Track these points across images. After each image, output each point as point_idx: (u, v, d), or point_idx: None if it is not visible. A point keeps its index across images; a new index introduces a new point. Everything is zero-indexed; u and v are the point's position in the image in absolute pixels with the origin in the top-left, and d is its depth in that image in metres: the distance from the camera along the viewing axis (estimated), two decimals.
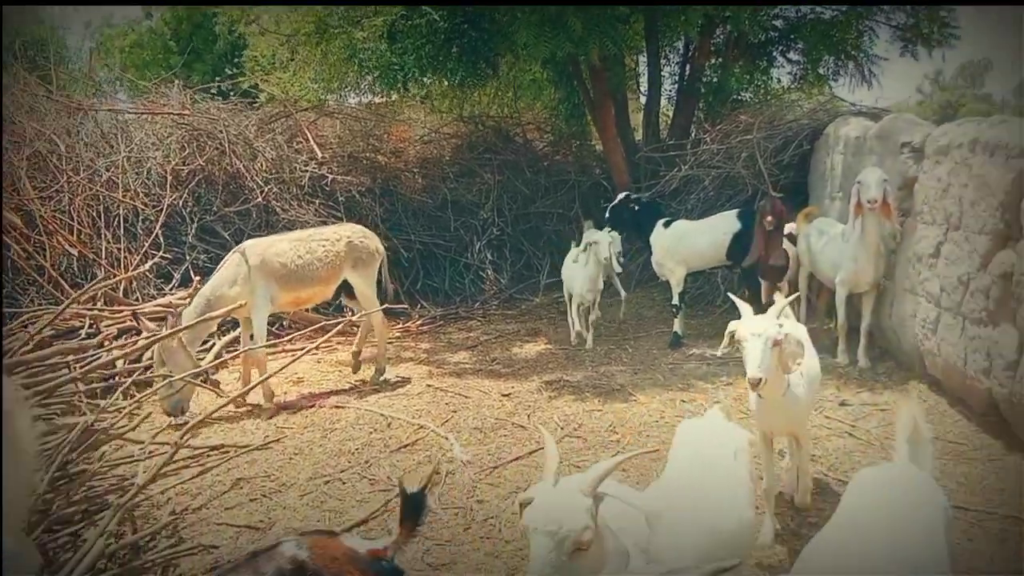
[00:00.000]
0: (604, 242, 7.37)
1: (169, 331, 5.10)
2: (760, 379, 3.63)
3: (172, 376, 5.20)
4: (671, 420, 5.49)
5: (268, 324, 6.38)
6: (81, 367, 3.98)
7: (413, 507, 2.56)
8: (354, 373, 6.89)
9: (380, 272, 6.85)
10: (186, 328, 5.32)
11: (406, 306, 8.67)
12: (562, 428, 5.48)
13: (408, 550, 3.91)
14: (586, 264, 7.50)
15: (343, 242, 6.52)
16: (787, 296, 4.40)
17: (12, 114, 8.50)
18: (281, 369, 6.05)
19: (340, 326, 6.15)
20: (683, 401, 5.88)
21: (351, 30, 9.48)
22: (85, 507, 3.80)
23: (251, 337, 6.23)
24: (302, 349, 6.55)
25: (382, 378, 6.75)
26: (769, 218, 6.60)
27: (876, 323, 6.39)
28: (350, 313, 7.01)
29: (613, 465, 2.24)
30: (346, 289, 6.68)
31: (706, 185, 9.23)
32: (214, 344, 7.27)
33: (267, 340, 6.34)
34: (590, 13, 7.65)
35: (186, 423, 5.16)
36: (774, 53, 10.65)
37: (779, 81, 11.21)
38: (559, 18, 7.50)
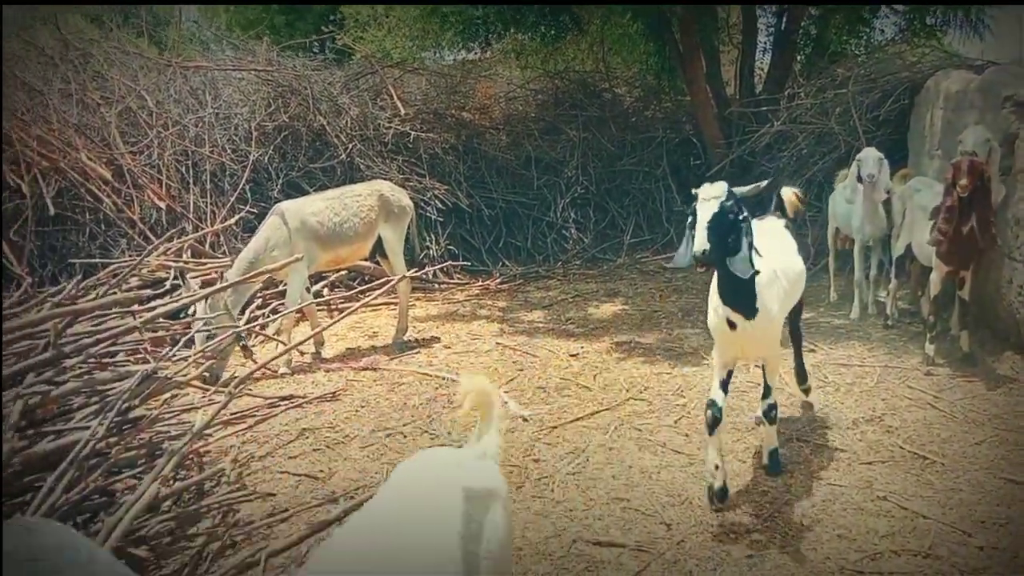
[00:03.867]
0: (871, 159, 6.24)
1: (211, 289, 5.21)
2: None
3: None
4: (742, 385, 5.32)
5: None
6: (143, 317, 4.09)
7: None
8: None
9: (408, 229, 6.84)
10: (229, 286, 5.40)
11: (424, 271, 8.51)
12: (627, 391, 5.36)
13: None
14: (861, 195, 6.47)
15: (375, 196, 6.55)
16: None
17: (105, 70, 8.80)
18: (317, 333, 6.11)
19: (388, 286, 6.17)
20: (757, 367, 5.65)
21: None
22: (146, 451, 3.93)
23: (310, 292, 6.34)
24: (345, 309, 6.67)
25: (404, 338, 6.71)
26: (964, 181, 4.94)
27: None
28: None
29: None
30: (379, 249, 6.69)
31: (799, 142, 8.84)
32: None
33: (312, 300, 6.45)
34: None
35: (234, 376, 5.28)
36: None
37: (883, 32, 10.58)
38: None
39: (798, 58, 10.51)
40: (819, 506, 3.77)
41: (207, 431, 4.30)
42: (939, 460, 4.14)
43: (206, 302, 5.46)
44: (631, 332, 6.73)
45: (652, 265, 9.45)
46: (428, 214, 8.99)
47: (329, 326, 6.14)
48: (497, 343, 6.55)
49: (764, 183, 3.93)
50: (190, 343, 4.93)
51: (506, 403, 5.20)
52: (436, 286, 8.81)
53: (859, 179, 6.39)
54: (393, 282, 6.22)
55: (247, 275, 5.45)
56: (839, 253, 7.51)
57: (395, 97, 9.85)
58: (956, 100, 6.56)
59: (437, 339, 6.80)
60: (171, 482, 3.78)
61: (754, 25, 10.47)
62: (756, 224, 3.64)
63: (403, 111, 9.69)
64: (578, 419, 4.94)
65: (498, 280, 9.02)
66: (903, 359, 5.66)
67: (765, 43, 10.88)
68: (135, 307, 4.27)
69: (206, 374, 5.38)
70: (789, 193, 4.79)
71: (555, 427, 4.85)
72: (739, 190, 3.59)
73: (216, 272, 7.16)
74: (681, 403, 5.12)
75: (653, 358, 6.01)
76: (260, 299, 7.32)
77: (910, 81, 8.05)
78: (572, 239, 10.16)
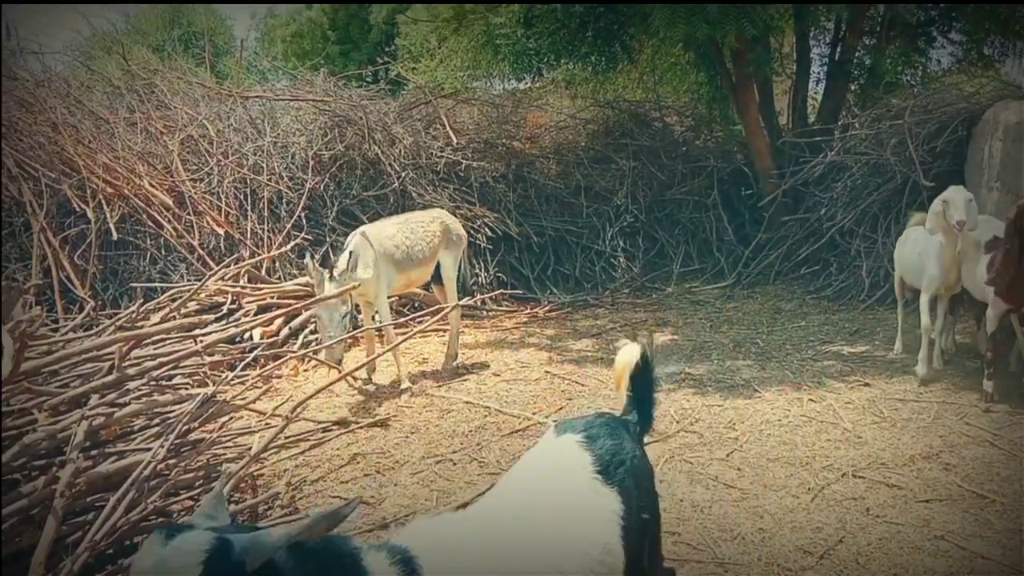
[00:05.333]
0: (961, 201, 5.31)
1: (324, 296, 5.42)
2: None
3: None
4: (795, 419, 5.26)
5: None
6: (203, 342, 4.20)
7: None
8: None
9: (460, 258, 6.97)
10: (335, 295, 5.50)
11: (474, 299, 8.51)
12: (678, 422, 5.33)
13: None
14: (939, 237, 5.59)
15: (438, 223, 6.70)
16: None
17: (168, 99, 9.08)
18: (384, 352, 6.17)
19: (441, 315, 6.24)
20: (811, 400, 5.59)
21: (488, 15, 9.60)
22: (204, 474, 4.01)
23: (372, 318, 6.42)
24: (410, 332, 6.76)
25: (453, 364, 6.77)
26: None
27: None
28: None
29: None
30: (435, 276, 6.82)
31: (853, 172, 8.76)
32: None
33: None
34: None
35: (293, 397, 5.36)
36: (934, 33, 9.93)
37: (939, 63, 10.47)
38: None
39: (852, 88, 10.44)
40: (874, 544, 3.70)
41: (263, 455, 4.38)
42: (999, 499, 4.04)
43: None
44: (681, 363, 6.68)
45: (702, 295, 9.39)
46: (478, 242, 9.07)
47: (383, 353, 6.20)
48: (546, 371, 6.55)
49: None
50: (247, 367, 5.03)
51: None
52: (485, 313, 8.86)
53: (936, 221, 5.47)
54: (447, 310, 6.28)
55: (341, 290, 5.55)
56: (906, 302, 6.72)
57: (447, 126, 9.99)
58: (1015, 132, 6.46)
59: (486, 366, 6.83)
60: (227, 504, 3.85)
61: (807, 55, 10.45)
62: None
63: (455, 140, 9.83)
64: None
65: (547, 308, 9.05)
66: (961, 395, 5.54)
67: (818, 73, 10.84)
68: (196, 332, 4.38)
69: (331, 359, 5.55)
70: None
71: None
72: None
73: (272, 297, 7.33)
74: (733, 436, 5.07)
75: (704, 390, 5.96)
76: (314, 324, 7.43)
77: (967, 112, 7.94)
78: (621, 268, 10.15)
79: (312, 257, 5.89)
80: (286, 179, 8.69)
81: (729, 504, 4.18)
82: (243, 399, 4.52)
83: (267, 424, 4.60)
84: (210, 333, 4.32)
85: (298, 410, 4.38)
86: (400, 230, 6.44)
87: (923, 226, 5.77)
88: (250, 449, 4.31)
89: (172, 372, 4.40)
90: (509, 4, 9.37)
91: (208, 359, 4.50)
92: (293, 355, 5.67)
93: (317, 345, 5.89)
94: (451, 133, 9.84)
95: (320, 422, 5.40)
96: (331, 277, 5.69)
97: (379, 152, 9.18)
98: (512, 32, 9.46)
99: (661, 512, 4.04)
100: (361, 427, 5.43)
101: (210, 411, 4.03)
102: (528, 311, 8.91)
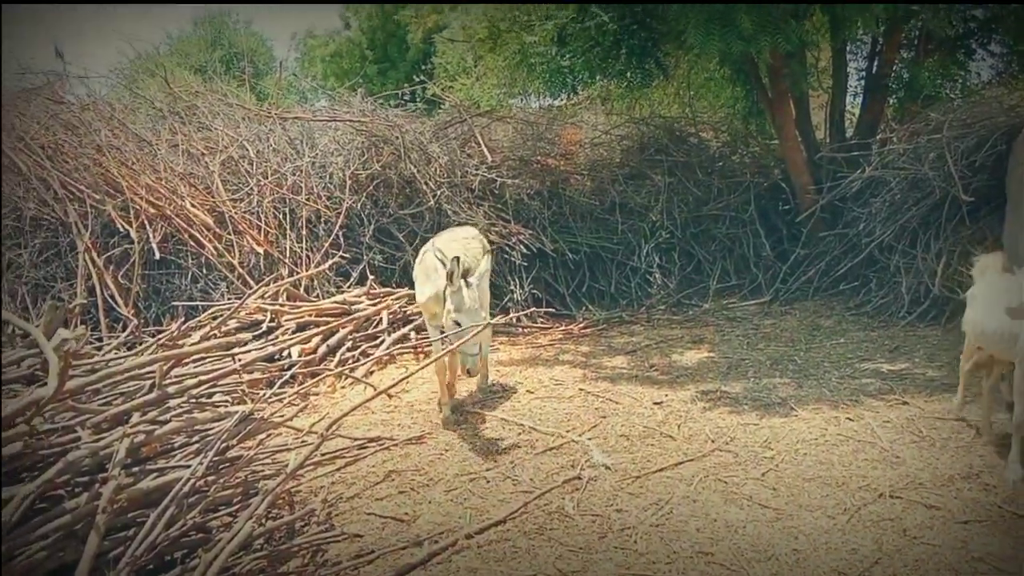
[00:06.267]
0: None
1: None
2: None
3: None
4: (832, 438, 5.20)
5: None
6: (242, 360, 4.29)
7: None
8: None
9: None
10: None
11: (509, 316, 8.42)
12: (712, 441, 5.30)
13: (541, 552, 3.97)
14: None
15: (478, 240, 6.68)
16: None
17: (209, 121, 9.30)
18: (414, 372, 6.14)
19: (477, 332, 6.21)
20: (848, 419, 5.53)
21: (522, 34, 9.66)
22: (242, 490, 4.08)
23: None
24: None
25: (487, 383, 6.77)
26: None
27: None
28: None
29: None
30: None
31: (892, 188, 8.66)
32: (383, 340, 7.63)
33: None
34: (761, 9, 7.37)
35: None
36: (973, 45, 9.80)
37: (979, 75, 10.32)
38: (728, 15, 7.27)
39: (890, 102, 10.34)
40: (911, 566, 3.65)
41: (300, 472, 4.44)
42: None
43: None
44: (717, 380, 6.65)
45: (739, 311, 9.33)
46: (512, 258, 9.11)
47: (417, 371, 6.24)
48: (580, 389, 6.56)
49: None
50: (285, 384, 5.11)
51: (589, 451, 5.21)
52: (520, 330, 8.88)
53: None
54: (482, 327, 6.28)
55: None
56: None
57: (482, 145, 10.08)
58: None
59: (520, 383, 6.85)
60: (264, 521, 3.92)
61: (844, 70, 10.37)
62: None
63: (490, 158, 9.90)
64: (662, 469, 4.90)
65: (581, 325, 9.04)
66: (1002, 413, 5.44)
67: (856, 87, 10.75)
68: (235, 350, 4.46)
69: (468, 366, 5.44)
70: None
71: (638, 477, 4.82)
72: None
73: (311, 314, 7.44)
74: (769, 455, 5.03)
75: (739, 408, 5.92)
76: (350, 341, 7.52)
77: (1007, 125, 7.82)
78: (656, 284, 10.11)
79: (457, 262, 5.38)
80: (324, 199, 8.83)
81: (763, 524, 4.15)
82: (281, 416, 4.59)
83: (304, 441, 4.66)
84: (248, 352, 4.40)
85: (333, 427, 4.43)
86: (461, 246, 6.42)
87: (996, 274, 4.90)
88: (287, 466, 4.37)
89: (212, 390, 4.48)
90: (543, 24, 9.43)
91: (247, 377, 4.58)
92: (329, 372, 5.73)
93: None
94: (485, 151, 9.92)
95: (356, 439, 5.45)
96: (468, 284, 5.41)
97: (415, 171, 9.29)
98: (546, 50, 9.49)
99: (695, 531, 4.06)
100: (396, 444, 5.47)
101: (248, 428, 4.10)
102: (563, 328, 8.91)
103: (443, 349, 5.59)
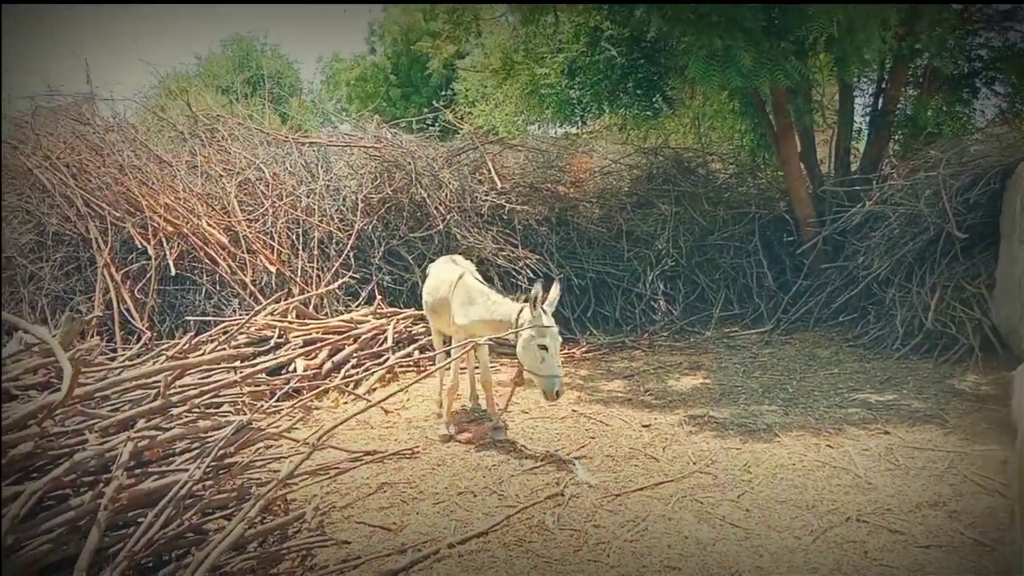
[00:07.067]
0: None
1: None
2: None
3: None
4: (810, 464, 5.37)
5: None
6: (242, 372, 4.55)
7: None
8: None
9: None
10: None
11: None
12: (694, 463, 5.48)
13: (518, 562, 4.17)
14: None
15: (471, 264, 6.85)
16: None
17: (228, 144, 9.66)
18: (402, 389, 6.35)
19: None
20: (828, 446, 5.69)
21: (534, 66, 9.98)
22: (237, 495, 4.33)
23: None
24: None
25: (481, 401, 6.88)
26: None
27: None
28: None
29: None
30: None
31: (891, 222, 8.84)
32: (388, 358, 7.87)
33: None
34: (761, 47, 7.61)
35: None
36: (977, 84, 9.99)
37: (983, 114, 10.49)
38: (728, 52, 7.51)
39: (895, 138, 10.53)
40: None
41: (293, 480, 4.68)
42: (999, 548, 4.12)
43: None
44: (707, 406, 6.83)
45: (740, 339, 9.50)
46: (519, 282, 9.35)
47: (410, 385, 6.48)
48: (573, 410, 6.76)
49: None
50: (284, 398, 5.36)
51: (575, 470, 5.41)
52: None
53: None
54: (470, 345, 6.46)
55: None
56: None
57: (492, 171, 10.36)
58: None
59: (516, 403, 7.06)
60: (256, 524, 4.15)
61: (850, 105, 10.58)
62: None
63: (500, 184, 10.18)
64: (642, 489, 5.09)
65: (584, 349, 9.25)
66: (979, 445, 5.59)
67: (861, 123, 10.96)
68: (237, 363, 4.72)
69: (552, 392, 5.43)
70: None
71: (619, 495, 5.01)
72: None
73: (318, 331, 7.71)
74: (747, 479, 5.20)
75: (725, 433, 6.10)
76: (356, 359, 7.77)
77: (1001, 165, 7.98)
78: (661, 311, 10.31)
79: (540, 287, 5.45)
80: (336, 220, 9.13)
81: (733, 543, 4.33)
82: (278, 428, 4.84)
83: (298, 452, 4.90)
84: (249, 365, 4.65)
85: (324, 438, 4.67)
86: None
87: None
88: (279, 473, 4.61)
89: (218, 400, 4.74)
90: (553, 56, 9.74)
91: (248, 389, 4.83)
92: (327, 387, 5.98)
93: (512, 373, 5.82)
94: (496, 177, 10.20)
95: (351, 451, 5.69)
96: (545, 311, 5.46)
97: (426, 196, 9.58)
98: (556, 82, 9.81)
99: (666, 547, 4.25)
100: (388, 457, 5.70)
101: (245, 438, 4.34)
102: (565, 351, 9.10)
103: (448, 367, 5.75)
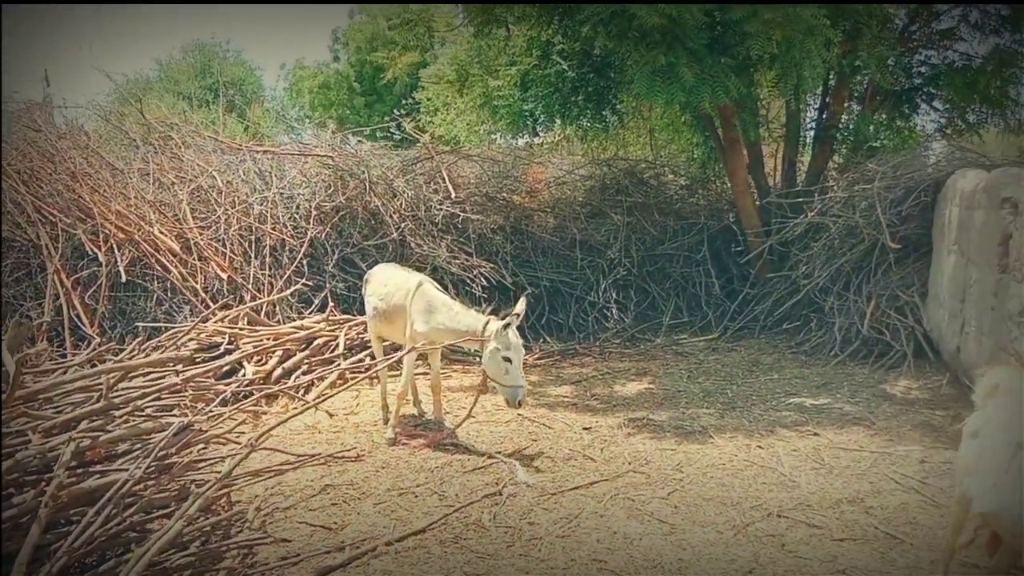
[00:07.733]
0: None
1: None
2: None
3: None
4: (739, 464, 5.60)
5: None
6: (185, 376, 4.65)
7: None
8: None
9: None
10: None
11: None
12: (629, 463, 5.68)
13: (452, 558, 4.32)
14: None
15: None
16: None
17: (181, 152, 9.72)
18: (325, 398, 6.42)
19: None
20: (759, 447, 5.92)
21: (487, 79, 10.17)
22: (178, 495, 4.43)
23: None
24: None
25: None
26: None
27: None
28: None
29: None
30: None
31: (831, 233, 9.14)
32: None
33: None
34: (703, 64, 7.86)
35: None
36: (917, 100, 10.35)
37: (923, 129, 10.85)
38: (671, 69, 7.75)
39: (839, 152, 10.85)
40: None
41: (234, 480, 4.80)
42: (908, 540, 4.35)
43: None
44: (648, 409, 7.04)
45: (688, 346, 9.73)
46: (473, 290, 9.50)
47: (350, 385, 6.58)
48: (518, 415, 6.91)
49: None
50: (225, 401, 5.47)
51: (514, 470, 5.58)
52: (476, 359, 9.24)
53: None
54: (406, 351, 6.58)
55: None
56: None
57: (447, 180, 10.50)
58: (968, 198, 6.82)
59: (464, 408, 7.19)
60: (196, 521, 4.26)
61: (796, 120, 10.89)
62: None
63: (454, 194, 10.33)
64: (577, 488, 5.28)
65: (536, 355, 9.41)
66: (902, 445, 5.85)
67: (806, 137, 11.27)
68: (180, 366, 4.83)
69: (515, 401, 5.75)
70: None
71: (554, 494, 5.19)
72: None
73: (269, 338, 7.80)
74: (678, 477, 5.41)
75: (662, 434, 6.31)
76: (307, 365, 7.87)
77: (932, 179, 8.32)
78: (613, 319, 10.52)
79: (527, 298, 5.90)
80: (289, 228, 9.22)
81: (658, 537, 4.53)
82: (220, 429, 4.95)
83: (239, 453, 5.01)
84: (190, 368, 4.76)
85: (262, 438, 4.79)
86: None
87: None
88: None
89: (163, 403, 4.84)
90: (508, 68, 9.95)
91: (191, 392, 4.94)
92: (275, 390, 6.07)
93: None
94: (450, 187, 10.34)
95: (295, 455, 5.80)
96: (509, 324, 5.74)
97: (380, 204, 9.71)
98: (509, 94, 10.01)
99: (595, 542, 4.43)
100: (331, 458, 5.82)
101: (186, 439, 4.45)
102: None
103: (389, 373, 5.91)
